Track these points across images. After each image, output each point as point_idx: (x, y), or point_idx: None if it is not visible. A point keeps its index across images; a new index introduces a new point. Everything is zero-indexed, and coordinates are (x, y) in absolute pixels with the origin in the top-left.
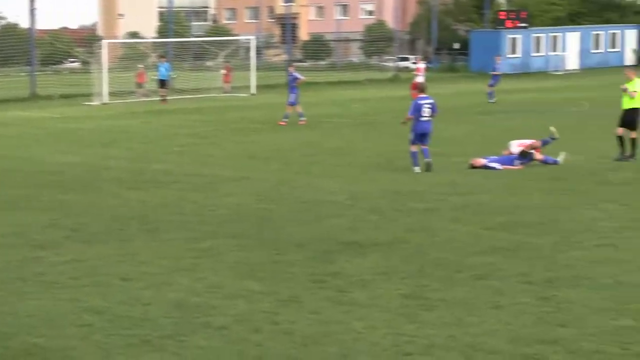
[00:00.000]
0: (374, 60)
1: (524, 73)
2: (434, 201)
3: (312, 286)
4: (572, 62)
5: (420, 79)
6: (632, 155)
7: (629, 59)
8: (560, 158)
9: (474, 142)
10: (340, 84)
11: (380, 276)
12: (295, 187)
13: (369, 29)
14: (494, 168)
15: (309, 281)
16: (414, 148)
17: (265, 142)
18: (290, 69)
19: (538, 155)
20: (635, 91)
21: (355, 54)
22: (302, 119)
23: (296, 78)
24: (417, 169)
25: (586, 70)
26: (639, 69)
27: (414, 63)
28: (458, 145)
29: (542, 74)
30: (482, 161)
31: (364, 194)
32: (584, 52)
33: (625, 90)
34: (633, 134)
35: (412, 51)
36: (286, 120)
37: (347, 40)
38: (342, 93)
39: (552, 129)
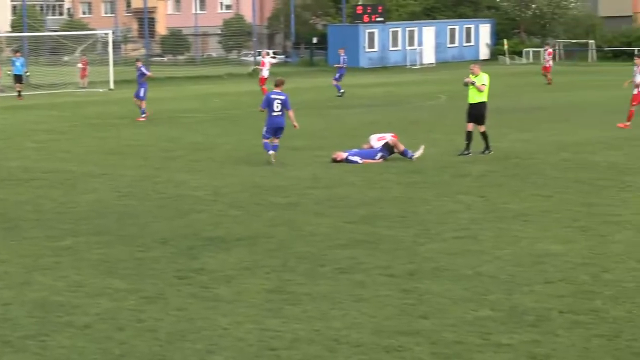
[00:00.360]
0: (233, 55)
1: (382, 67)
2: (296, 195)
3: (176, 282)
4: (429, 56)
5: (265, 72)
6: (487, 148)
7: (484, 53)
8: (418, 153)
9: (334, 136)
10: (200, 79)
11: (244, 271)
12: (156, 182)
13: (227, 23)
14: (355, 162)
15: (173, 277)
16: (266, 140)
17: (124, 138)
18: (138, 64)
19: (400, 147)
20: (484, 84)
21: (214, 49)
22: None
23: (144, 73)
24: (271, 152)
25: (442, 64)
26: (485, 63)
27: (272, 56)
28: (318, 139)
29: (400, 68)
30: (344, 155)
31: (226, 188)
32: (439, 47)
33: (473, 84)
34: (482, 128)
35: (272, 46)
36: (144, 115)
37: (206, 34)
38: (201, 88)
39: (420, 152)
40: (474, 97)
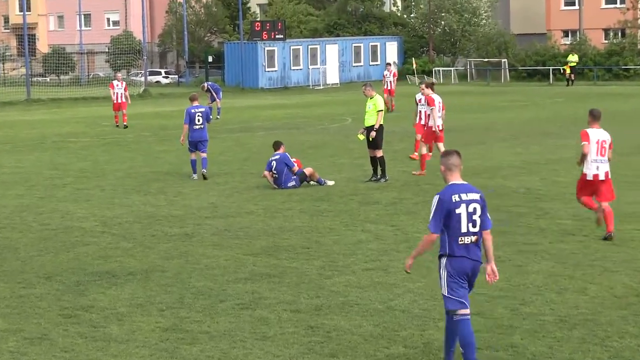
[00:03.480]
0: (122, 75)
1: (283, 87)
2: (192, 225)
3: (63, 321)
4: (333, 75)
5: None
6: (383, 176)
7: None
8: (330, 182)
9: (235, 161)
10: (86, 100)
11: (136, 308)
12: (39, 213)
13: (115, 40)
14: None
15: (59, 316)
16: (193, 156)
17: (5, 165)
18: None
19: (316, 176)
20: (380, 110)
21: (102, 68)
22: None
23: None
24: (194, 176)
25: (347, 84)
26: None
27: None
28: (218, 165)
29: (302, 88)
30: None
31: (116, 219)
32: (344, 66)
33: (366, 133)
34: (378, 153)
35: (164, 64)
36: None
37: (92, 52)
38: (88, 110)
39: (332, 183)
40: (369, 120)
